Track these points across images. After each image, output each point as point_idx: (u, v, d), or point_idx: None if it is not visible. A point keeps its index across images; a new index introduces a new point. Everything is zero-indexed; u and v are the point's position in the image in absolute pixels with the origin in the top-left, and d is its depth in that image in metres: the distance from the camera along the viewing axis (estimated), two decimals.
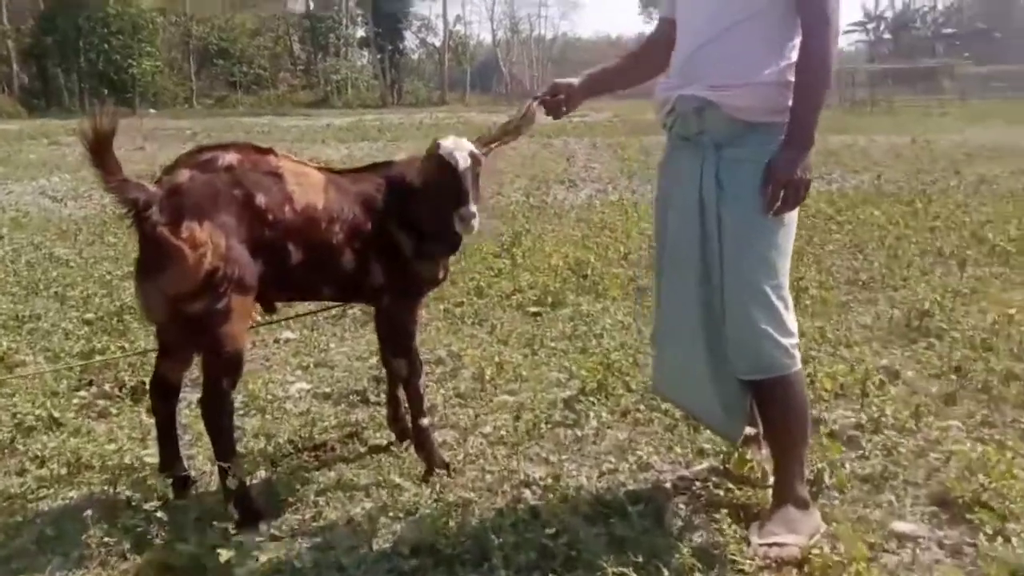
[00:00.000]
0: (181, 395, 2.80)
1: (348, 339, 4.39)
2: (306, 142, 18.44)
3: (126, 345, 4.03)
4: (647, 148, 15.39)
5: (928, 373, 3.62)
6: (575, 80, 2.66)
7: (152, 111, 36.23)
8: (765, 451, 2.63)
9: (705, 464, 2.81)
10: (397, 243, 2.74)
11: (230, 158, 2.48)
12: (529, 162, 13.76)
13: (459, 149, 2.59)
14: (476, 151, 2.63)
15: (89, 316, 4.59)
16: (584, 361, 3.86)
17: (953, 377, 3.49)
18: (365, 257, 2.70)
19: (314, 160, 2.99)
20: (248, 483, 2.56)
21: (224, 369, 2.47)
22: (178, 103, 40.84)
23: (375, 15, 48.08)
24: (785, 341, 2.29)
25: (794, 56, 2.24)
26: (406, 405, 2.93)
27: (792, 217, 2.32)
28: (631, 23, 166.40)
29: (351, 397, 3.54)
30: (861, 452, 2.87)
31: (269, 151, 2.62)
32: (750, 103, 2.23)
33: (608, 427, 3.17)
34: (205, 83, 45.30)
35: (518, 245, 6.04)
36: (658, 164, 2.57)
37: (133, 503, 2.43)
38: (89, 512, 2.42)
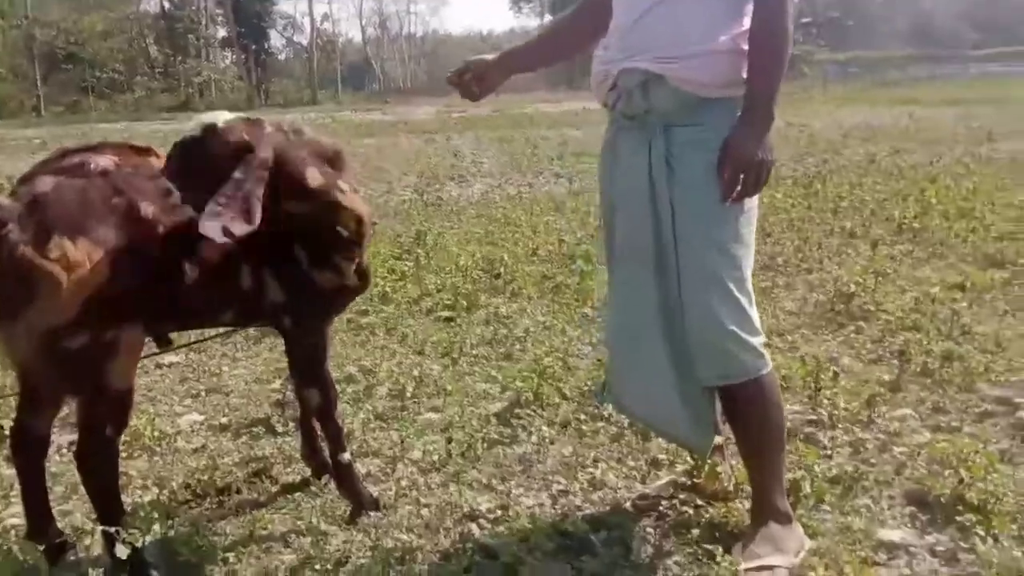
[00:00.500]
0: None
1: (242, 359, 3.92)
2: (169, 146, 17.31)
3: None
4: (532, 141, 15.27)
5: (867, 359, 3.51)
6: (489, 57, 2.38)
7: None
8: (734, 460, 2.39)
9: (665, 479, 2.55)
10: (298, 256, 2.31)
11: (104, 161, 2.03)
12: (413, 158, 13.35)
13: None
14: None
15: None
16: (511, 369, 3.56)
17: (895, 362, 3.38)
18: (261, 272, 2.27)
19: None
20: (141, 545, 2.09)
21: (109, 414, 2.03)
22: (24, 112, 37.90)
23: (236, 14, 46.12)
24: (752, 340, 2.03)
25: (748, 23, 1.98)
26: (322, 436, 2.54)
27: (753, 203, 2.06)
28: (501, 19, 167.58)
29: (253, 428, 3.10)
30: (825, 452, 2.68)
31: (149, 151, 2.18)
32: (701, 75, 1.96)
33: (550, 442, 2.88)
34: (54, 90, 42.17)
35: (420, 245, 5.67)
36: (601, 148, 2.25)
37: None
38: None
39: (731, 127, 1.96)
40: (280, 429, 3.04)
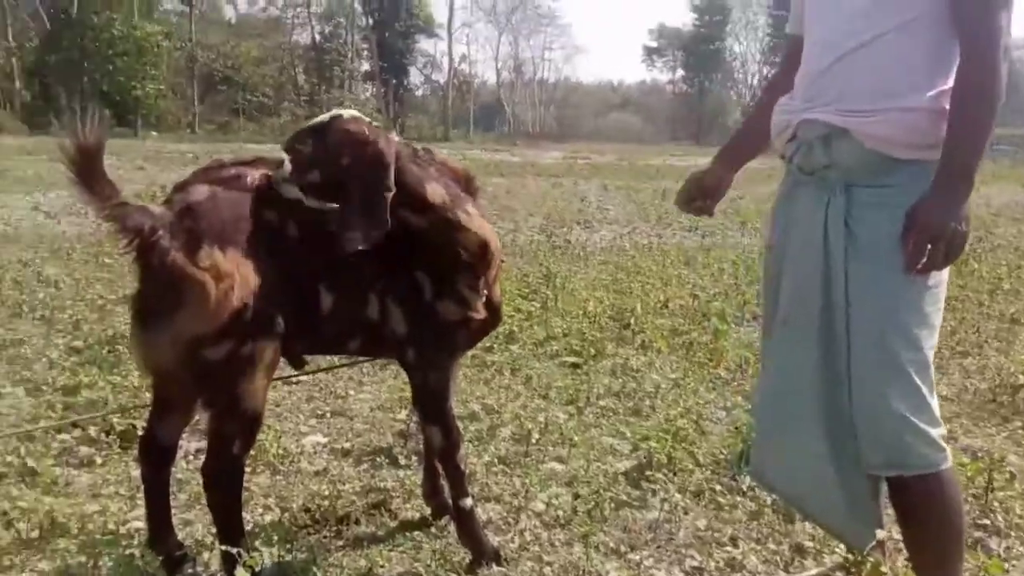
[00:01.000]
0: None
1: (367, 384, 3.90)
2: None
3: (117, 379, 3.53)
4: (660, 192, 15.08)
5: None
6: (704, 170, 2.22)
7: (154, 134, 35.90)
8: (900, 560, 2.14)
9: (814, 570, 2.32)
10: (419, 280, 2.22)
11: (260, 175, 2.03)
12: (540, 200, 13.39)
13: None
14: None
15: (77, 343, 4.10)
16: (640, 426, 3.39)
17: None
18: (384, 300, 2.20)
19: None
20: (260, 569, 2.03)
21: (239, 431, 2.00)
22: (180, 128, 40.52)
23: (380, 50, 48.18)
24: (932, 432, 1.78)
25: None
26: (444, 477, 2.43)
27: (942, 278, 1.81)
28: (633, 71, 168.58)
29: (376, 456, 3.05)
30: (1005, 566, 2.38)
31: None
32: (893, 133, 1.76)
33: (683, 511, 2.68)
34: (208, 109, 45.00)
35: (548, 286, 5.58)
36: (773, 203, 2.07)
37: None
38: None
39: (922, 192, 1.74)
40: (402, 461, 2.97)
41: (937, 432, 1.80)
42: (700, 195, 2.23)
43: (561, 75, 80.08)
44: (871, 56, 1.78)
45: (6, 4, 37.45)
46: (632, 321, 4.81)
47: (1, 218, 9.05)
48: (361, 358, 3.37)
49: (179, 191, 1.99)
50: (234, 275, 1.87)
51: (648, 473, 2.88)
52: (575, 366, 4.23)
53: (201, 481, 2.07)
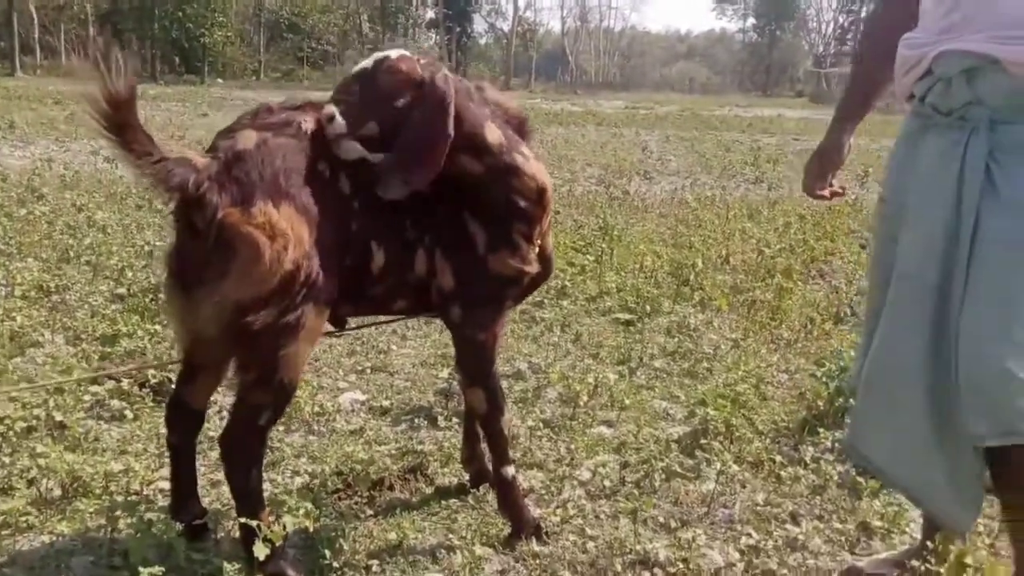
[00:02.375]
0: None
1: (411, 339, 3.77)
2: None
3: (157, 328, 3.46)
4: (724, 143, 14.57)
5: None
6: (835, 138, 1.98)
7: (220, 81, 36.24)
8: (980, 548, 1.91)
9: (884, 554, 2.11)
10: (477, 242, 2.04)
11: (311, 122, 1.83)
12: (599, 150, 13.02)
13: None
14: None
15: (121, 291, 4.04)
16: (696, 390, 3.18)
17: None
18: (432, 254, 2.03)
19: None
20: (282, 542, 1.89)
21: (272, 401, 1.83)
22: (246, 75, 40.82)
23: None
24: None
25: None
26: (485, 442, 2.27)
27: None
28: (702, 19, 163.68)
29: (415, 417, 2.91)
30: None
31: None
32: None
33: (740, 484, 2.49)
34: (274, 57, 45.21)
35: (604, 239, 5.35)
36: (893, 148, 1.85)
37: (132, 556, 1.84)
38: (74, 562, 1.84)
39: None
40: (442, 423, 2.82)
41: None
42: (831, 171, 2.01)
43: (628, 23, 78.30)
44: None
45: None
46: (691, 277, 4.56)
47: (63, 163, 9.14)
48: (400, 318, 3.17)
49: (225, 137, 1.79)
50: (288, 234, 1.69)
51: (703, 441, 2.68)
52: (628, 323, 4.03)
53: (220, 453, 1.92)
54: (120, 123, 1.61)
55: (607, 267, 4.87)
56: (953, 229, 1.57)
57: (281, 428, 2.73)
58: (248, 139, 1.75)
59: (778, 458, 2.60)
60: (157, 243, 4.76)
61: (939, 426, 1.62)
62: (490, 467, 2.38)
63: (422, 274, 2.02)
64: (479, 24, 54.70)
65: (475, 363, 2.13)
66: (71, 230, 5.17)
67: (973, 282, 1.55)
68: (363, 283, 1.94)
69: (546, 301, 4.27)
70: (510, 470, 2.15)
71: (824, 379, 3.00)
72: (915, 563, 1.94)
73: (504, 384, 3.10)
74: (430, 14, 51.32)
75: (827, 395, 2.93)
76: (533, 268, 2.10)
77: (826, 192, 2.04)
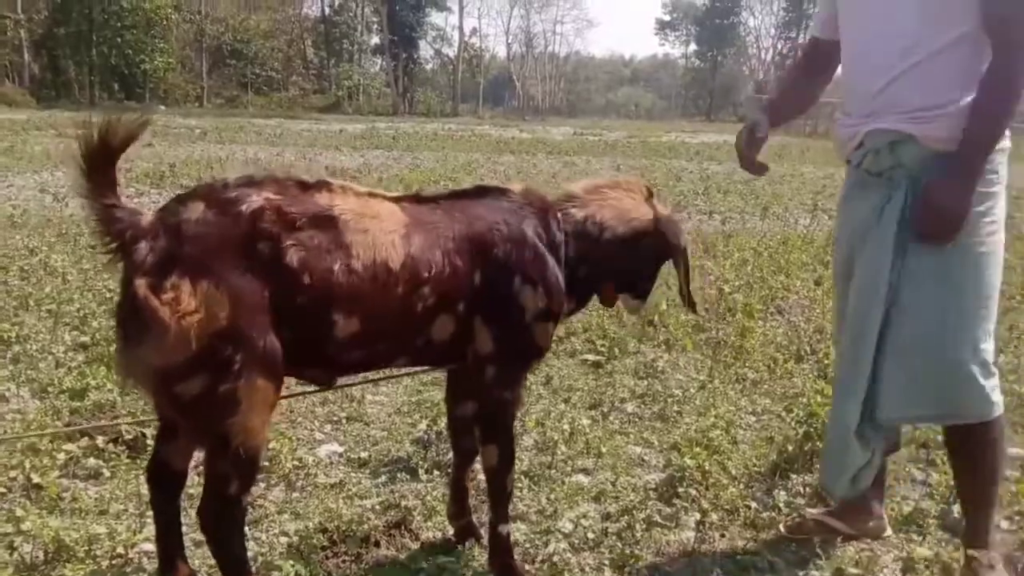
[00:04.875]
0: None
1: (383, 385, 3.77)
2: (319, 147, 17.89)
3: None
4: (675, 172, 14.87)
5: None
6: (757, 118, 2.45)
7: (162, 108, 35.68)
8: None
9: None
10: (519, 301, 2.12)
11: (260, 200, 1.81)
12: (553, 181, 13.18)
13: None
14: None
15: (84, 339, 3.98)
16: (668, 433, 3.26)
17: None
18: (469, 320, 2.08)
19: (382, 187, 2.37)
20: None
21: (234, 471, 1.83)
22: (189, 101, 40.28)
23: (390, 23, 47.64)
24: (987, 382, 2.07)
25: None
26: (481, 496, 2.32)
27: (994, 246, 2.09)
28: (645, 44, 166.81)
29: (394, 469, 2.92)
30: None
31: (320, 186, 1.94)
32: (951, 132, 2.01)
33: (719, 532, 2.56)
34: (217, 83, 44.68)
35: None
36: (839, 201, 2.39)
37: None
38: None
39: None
40: (422, 474, 2.84)
41: (991, 383, 2.08)
42: (756, 149, 2.45)
43: (572, 48, 79.46)
44: (926, 72, 2.04)
45: None
46: (655, 318, 4.66)
47: (8, 199, 8.92)
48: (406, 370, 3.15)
49: (178, 202, 1.82)
50: (198, 311, 1.69)
51: (680, 489, 2.75)
52: (597, 365, 4.10)
53: (199, 524, 1.91)
54: (102, 165, 1.69)
55: None
56: (886, 251, 2.08)
57: (262, 484, 2.72)
58: (194, 211, 1.77)
59: (752, 504, 2.69)
60: (118, 288, 4.69)
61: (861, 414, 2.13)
62: (478, 522, 2.42)
63: (444, 338, 2.07)
64: (425, 50, 54.95)
65: (499, 420, 2.22)
66: (26, 275, 5.07)
67: (911, 289, 2.07)
68: (331, 349, 1.93)
69: None
70: (507, 528, 2.20)
71: (793, 424, 3.10)
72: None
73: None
74: (375, 40, 51.41)
75: (796, 440, 3.03)
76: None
77: (756, 168, 2.48)
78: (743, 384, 3.91)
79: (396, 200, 2.07)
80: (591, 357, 4.19)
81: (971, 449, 2.19)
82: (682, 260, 2.36)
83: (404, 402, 3.54)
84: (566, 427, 3.18)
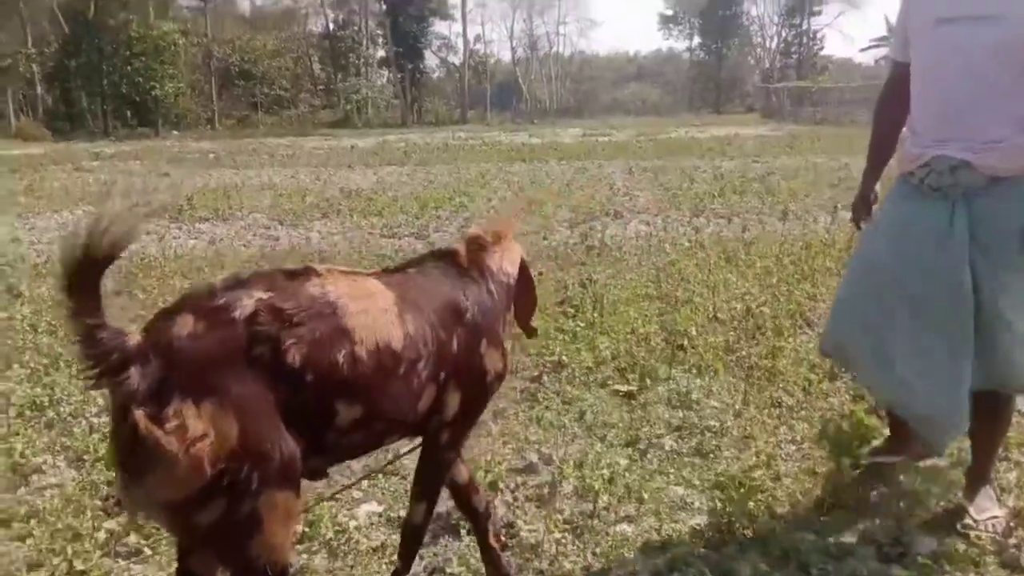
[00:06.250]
0: None
1: None
2: (332, 166, 17.94)
3: None
4: (688, 173, 14.77)
5: None
6: (870, 184, 3.02)
7: (175, 133, 35.99)
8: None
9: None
10: (484, 364, 2.21)
11: (251, 303, 1.73)
12: (566, 189, 13.14)
13: None
14: None
15: None
16: (708, 470, 3.22)
17: None
18: (444, 387, 2.11)
19: (355, 266, 2.36)
20: None
21: None
22: (200, 124, 40.59)
23: (394, 34, 47.78)
24: None
25: None
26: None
27: None
28: (649, 40, 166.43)
29: (435, 526, 2.89)
30: None
31: (308, 272, 1.89)
32: (1007, 163, 2.45)
33: None
34: (227, 104, 44.99)
35: (590, 300, 5.40)
36: (887, 203, 2.81)
37: None
38: None
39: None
40: (464, 533, 2.81)
41: None
42: (869, 209, 3.02)
43: (576, 48, 79.32)
44: (996, 112, 2.44)
45: (23, 12, 37.50)
46: (685, 343, 4.60)
47: (32, 244, 9.00)
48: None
49: (164, 318, 1.69)
50: (208, 435, 1.58)
51: (727, 537, 2.70)
52: (629, 396, 4.06)
53: None
54: (85, 280, 1.53)
55: (598, 330, 4.92)
56: (964, 262, 2.46)
57: (303, 550, 2.71)
58: (183, 326, 1.64)
59: (802, 547, 2.64)
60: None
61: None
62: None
63: (424, 410, 2.07)
64: (431, 60, 55.05)
65: (439, 481, 2.29)
66: (54, 329, 5.10)
67: (991, 290, 2.45)
68: (334, 440, 1.89)
69: (544, 376, 4.30)
70: None
71: (836, 458, 3.05)
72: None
73: (518, 479, 3.15)
74: (380, 53, 51.56)
75: (847, 478, 2.97)
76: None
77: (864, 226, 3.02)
78: (779, 409, 3.85)
79: (376, 276, 2.08)
80: (623, 387, 4.15)
81: (1002, 406, 2.71)
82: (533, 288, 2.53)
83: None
84: (605, 471, 3.14)
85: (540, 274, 6.41)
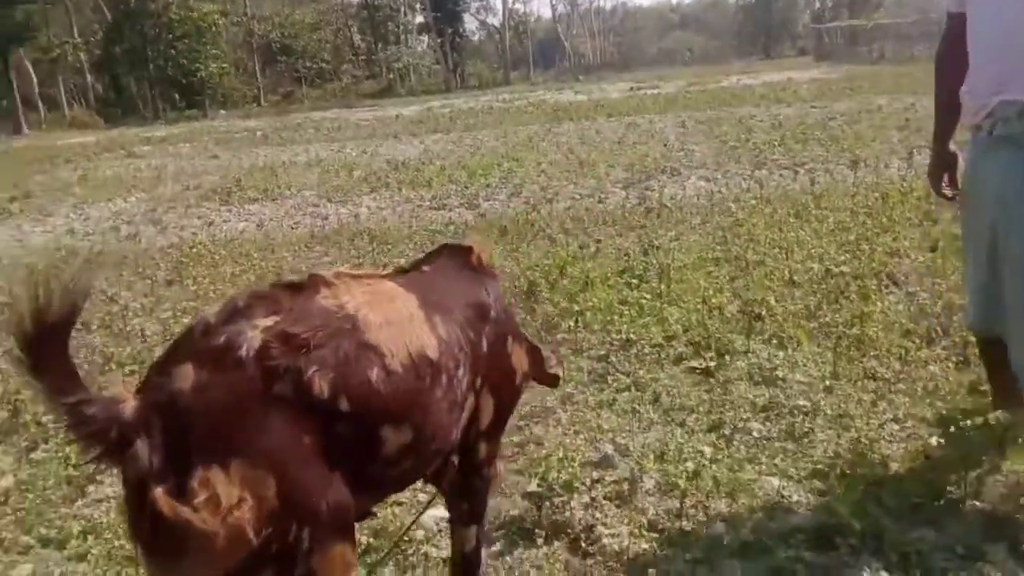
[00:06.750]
0: None
1: None
2: (378, 138, 17.76)
3: None
4: (744, 123, 14.19)
5: None
6: (943, 149, 2.78)
7: (222, 112, 36.25)
8: None
9: None
10: (511, 363, 2.04)
11: (257, 334, 1.46)
12: (618, 147, 12.71)
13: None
14: None
15: None
16: (801, 456, 2.93)
17: None
18: (479, 394, 1.92)
19: (368, 267, 2.12)
20: None
21: None
22: (247, 102, 40.80)
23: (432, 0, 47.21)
24: None
25: None
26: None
27: None
28: None
29: (507, 531, 2.67)
30: None
31: (314, 284, 1.64)
32: None
33: None
34: (271, 80, 45.16)
35: (653, 268, 5.09)
36: (966, 172, 2.67)
37: None
38: None
39: None
40: (539, 540, 2.58)
41: None
42: (948, 174, 2.79)
43: (618, 1, 77.61)
44: None
45: (68, 2, 37.99)
46: (763, 311, 4.27)
47: (87, 234, 9.02)
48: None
49: (160, 373, 1.43)
50: (244, 499, 1.34)
51: (838, 539, 2.41)
52: (707, 372, 3.77)
53: None
54: (47, 352, 1.28)
55: (666, 300, 4.62)
56: None
57: (367, 565, 2.51)
58: (184, 378, 1.39)
59: (923, 547, 2.34)
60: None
61: None
62: None
63: (466, 421, 1.89)
64: (470, 23, 54.29)
65: (484, 500, 2.12)
66: (106, 329, 5.00)
67: None
68: (377, 470, 1.65)
69: (612, 355, 4.03)
70: None
71: (942, 433, 2.74)
72: None
73: (594, 475, 2.90)
74: (419, 19, 51.02)
75: (959, 465, 2.65)
76: None
77: (948, 191, 2.81)
78: (874, 382, 3.52)
79: (391, 278, 1.85)
80: (698, 363, 3.86)
81: None
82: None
83: (505, 443, 3.28)
84: (689, 463, 2.88)
85: (598, 242, 6.13)
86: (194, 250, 7.22)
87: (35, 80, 36.85)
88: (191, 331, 1.51)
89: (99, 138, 24.79)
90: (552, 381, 2.37)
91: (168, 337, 4.71)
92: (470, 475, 2.05)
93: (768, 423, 3.25)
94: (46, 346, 1.29)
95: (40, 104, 36.96)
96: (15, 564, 2.65)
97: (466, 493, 2.08)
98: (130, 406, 1.35)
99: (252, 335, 1.46)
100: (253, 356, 1.44)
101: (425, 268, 2.02)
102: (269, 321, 1.50)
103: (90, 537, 2.75)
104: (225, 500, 1.32)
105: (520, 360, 2.08)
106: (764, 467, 2.92)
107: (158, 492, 1.30)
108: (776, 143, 11.25)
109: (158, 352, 4.36)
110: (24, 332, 1.27)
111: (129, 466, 1.34)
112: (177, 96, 39.78)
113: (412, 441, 1.67)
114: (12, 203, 11.65)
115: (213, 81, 39.18)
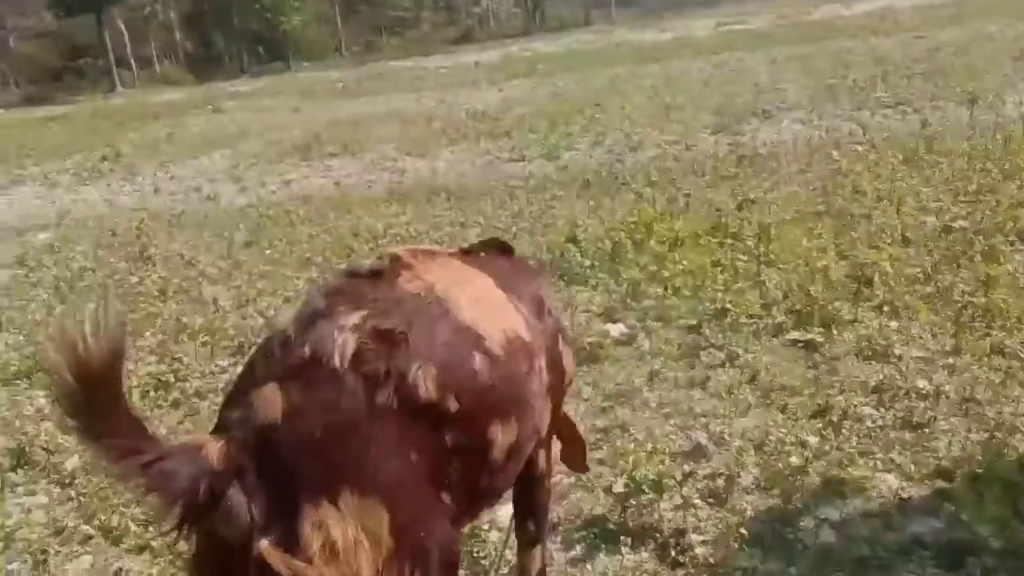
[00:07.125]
0: None
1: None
2: (456, 86, 17.46)
3: None
4: (841, 58, 13.27)
5: None
6: None
7: (305, 64, 36.54)
8: None
9: None
10: (562, 363, 1.81)
11: (348, 337, 1.26)
12: (705, 89, 12.08)
13: None
14: None
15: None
16: (922, 451, 2.60)
17: None
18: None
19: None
20: None
21: None
22: (329, 54, 40.99)
23: None
24: None
25: None
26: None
27: None
28: None
29: (588, 533, 2.44)
30: None
31: (395, 267, 1.46)
32: None
33: None
34: (352, 31, 45.17)
35: (748, 225, 4.71)
36: None
37: None
38: None
39: None
40: (625, 548, 2.34)
41: None
42: None
43: None
44: None
45: None
46: (873, 275, 3.85)
47: (171, 194, 9.12)
48: None
49: (238, 404, 1.24)
50: (359, 539, 1.16)
51: (964, 551, 2.10)
52: (810, 346, 3.42)
53: None
54: (99, 399, 1.09)
55: (763, 263, 4.25)
56: None
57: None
58: (271, 404, 1.20)
59: None
60: (275, 301, 4.47)
61: None
62: None
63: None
64: None
65: (546, 515, 1.97)
66: (183, 293, 4.96)
67: None
68: (484, 481, 1.48)
69: (704, 325, 3.71)
70: None
71: None
72: None
73: (685, 468, 2.64)
74: None
75: None
76: None
77: None
78: (1004, 359, 3.12)
79: (459, 257, 1.71)
80: (800, 335, 3.51)
81: None
82: None
83: (584, 429, 3.04)
84: (793, 456, 2.58)
85: (687, 196, 5.75)
86: (271, 211, 7.16)
87: (127, 39, 37.76)
88: (268, 345, 1.33)
89: (188, 94, 25.27)
90: (583, 469, 2.23)
91: (241, 305, 4.63)
92: (535, 486, 1.85)
93: (882, 408, 2.90)
94: (98, 400, 1.09)
95: (133, 63, 37.93)
96: (75, 555, 2.58)
97: (532, 510, 1.89)
98: (215, 451, 1.15)
99: (341, 339, 1.27)
100: (348, 364, 1.24)
101: (482, 254, 1.83)
102: (356, 318, 1.31)
103: (151, 528, 2.65)
104: (341, 543, 1.14)
105: (569, 362, 1.89)
106: (879, 462, 2.59)
107: (265, 546, 1.12)
108: (878, 80, 10.46)
109: (231, 321, 4.29)
110: (69, 391, 1.07)
111: (223, 522, 1.13)
112: (262, 50, 40.24)
113: (516, 439, 1.49)
114: (103, 162, 11.92)
115: (296, 33, 39.41)
